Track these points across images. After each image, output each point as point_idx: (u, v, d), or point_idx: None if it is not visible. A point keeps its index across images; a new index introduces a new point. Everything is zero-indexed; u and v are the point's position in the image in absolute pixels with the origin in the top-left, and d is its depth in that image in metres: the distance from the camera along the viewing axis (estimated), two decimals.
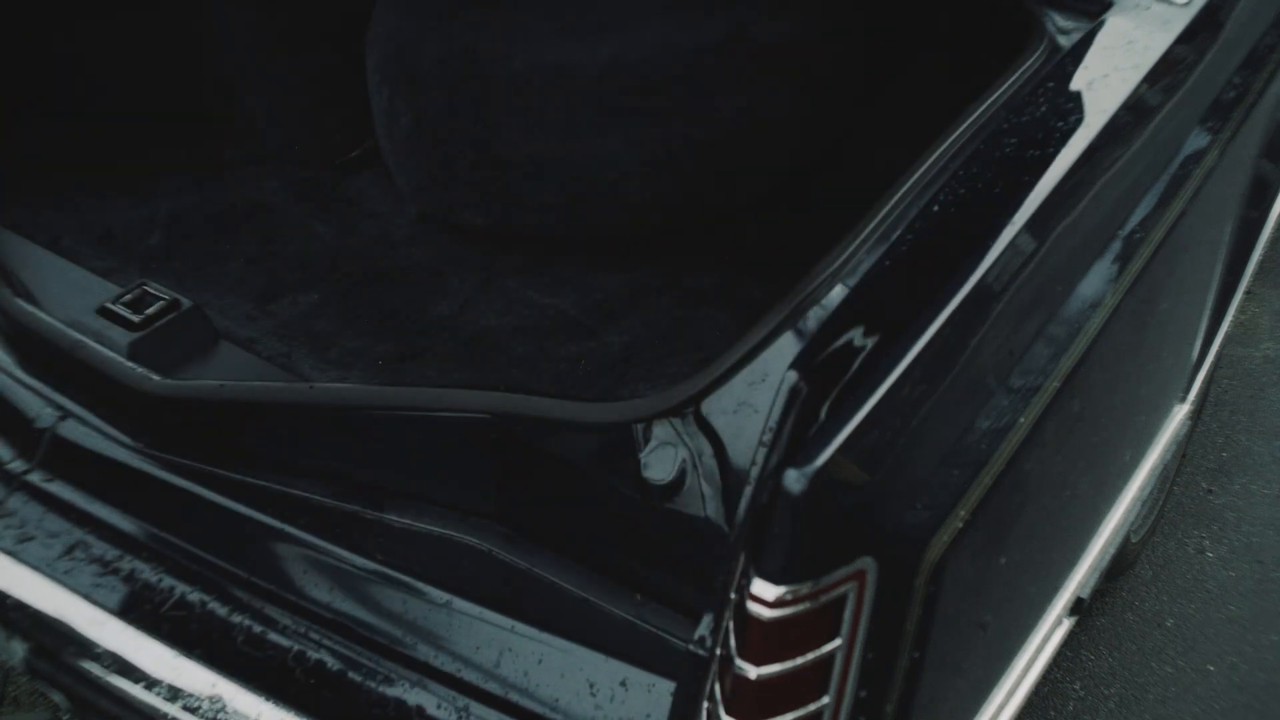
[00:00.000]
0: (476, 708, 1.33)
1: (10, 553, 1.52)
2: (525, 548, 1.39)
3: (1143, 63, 1.37)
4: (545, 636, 1.34)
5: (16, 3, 2.23)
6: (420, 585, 1.41)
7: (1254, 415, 2.66)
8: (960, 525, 1.06)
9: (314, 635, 1.41)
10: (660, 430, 1.23)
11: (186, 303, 1.69)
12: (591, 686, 1.30)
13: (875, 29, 2.25)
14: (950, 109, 1.39)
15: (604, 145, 1.99)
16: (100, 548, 1.52)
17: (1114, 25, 1.44)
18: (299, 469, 1.52)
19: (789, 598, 0.99)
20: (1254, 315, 2.91)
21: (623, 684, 1.29)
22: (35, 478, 1.59)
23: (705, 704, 1.10)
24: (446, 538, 1.42)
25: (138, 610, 1.46)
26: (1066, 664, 2.18)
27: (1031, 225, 1.16)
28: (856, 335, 1.05)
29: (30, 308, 1.67)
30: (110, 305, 1.67)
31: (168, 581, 1.48)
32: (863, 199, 1.32)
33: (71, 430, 1.60)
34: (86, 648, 1.45)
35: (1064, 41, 1.43)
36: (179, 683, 1.40)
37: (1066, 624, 1.51)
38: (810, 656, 1.03)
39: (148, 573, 1.49)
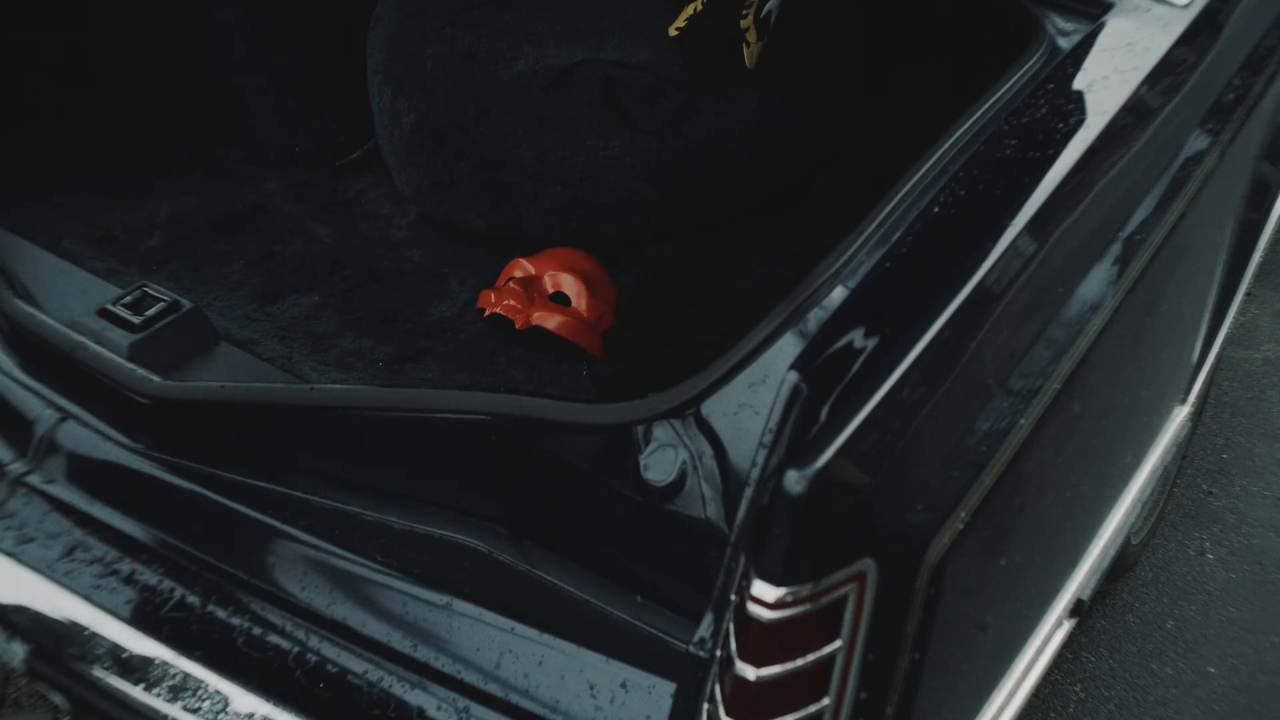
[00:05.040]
0: (477, 709, 1.32)
1: (10, 554, 1.52)
2: (526, 549, 1.39)
3: (1143, 64, 1.37)
4: (545, 638, 1.34)
5: (16, 2, 2.23)
6: (420, 586, 1.41)
7: (1254, 417, 2.66)
8: (961, 527, 1.06)
9: (314, 636, 1.41)
10: (660, 431, 1.23)
11: (187, 304, 1.69)
12: (592, 688, 1.30)
13: (875, 30, 2.26)
14: (951, 110, 1.39)
15: (606, 148, 1.99)
16: (100, 549, 1.52)
17: (1114, 27, 1.44)
18: (299, 470, 1.52)
19: (789, 599, 0.99)
20: (1254, 317, 2.91)
21: (623, 685, 1.29)
22: (35, 479, 1.59)
23: (705, 705, 1.10)
24: (447, 539, 1.42)
25: (138, 611, 1.46)
26: (1067, 666, 2.18)
27: (1032, 227, 1.16)
28: (857, 336, 1.05)
29: (31, 309, 1.67)
30: (110, 307, 1.67)
31: (168, 583, 1.48)
32: (863, 200, 1.32)
33: (72, 432, 1.60)
34: (86, 649, 1.45)
35: (1064, 43, 1.43)
36: (179, 683, 1.40)
37: (1067, 626, 1.51)
38: (810, 658, 1.02)
39: (148, 574, 1.49)
